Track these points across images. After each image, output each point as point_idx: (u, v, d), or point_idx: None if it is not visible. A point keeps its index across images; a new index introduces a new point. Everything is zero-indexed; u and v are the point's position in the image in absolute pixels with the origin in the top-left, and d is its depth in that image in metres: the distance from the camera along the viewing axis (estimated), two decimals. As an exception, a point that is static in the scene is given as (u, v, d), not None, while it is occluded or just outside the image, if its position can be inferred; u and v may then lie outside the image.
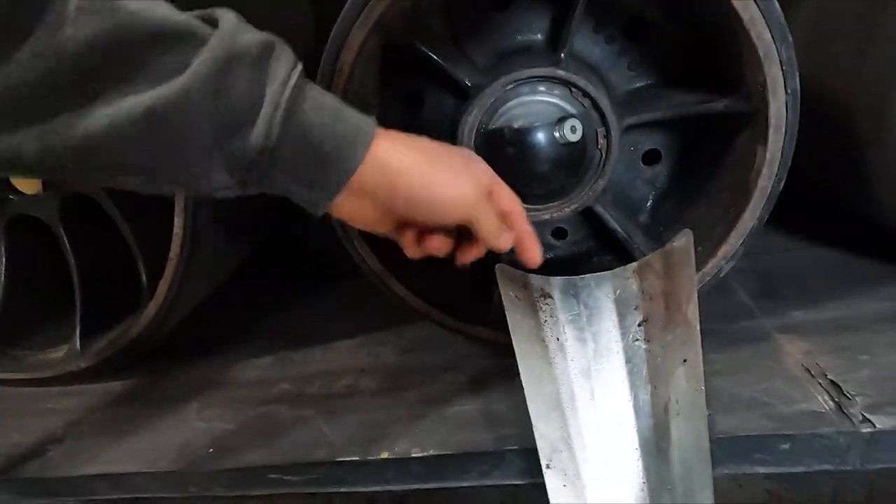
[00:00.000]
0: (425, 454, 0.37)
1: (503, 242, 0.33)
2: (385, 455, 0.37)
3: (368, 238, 0.42)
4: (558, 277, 0.39)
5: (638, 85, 0.44)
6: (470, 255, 0.35)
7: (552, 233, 0.48)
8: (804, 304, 0.46)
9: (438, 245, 0.33)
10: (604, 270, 0.38)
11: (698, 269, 0.39)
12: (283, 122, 0.26)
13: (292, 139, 0.26)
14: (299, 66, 0.28)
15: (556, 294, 0.39)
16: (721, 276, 0.41)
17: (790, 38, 0.34)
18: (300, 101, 0.27)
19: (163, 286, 0.49)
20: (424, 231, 0.33)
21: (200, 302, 0.57)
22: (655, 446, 0.29)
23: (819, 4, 0.51)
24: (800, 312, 0.45)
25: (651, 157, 0.46)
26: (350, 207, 0.30)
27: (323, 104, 0.28)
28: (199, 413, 0.49)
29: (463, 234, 0.34)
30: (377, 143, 0.29)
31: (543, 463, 0.28)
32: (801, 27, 0.49)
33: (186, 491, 0.42)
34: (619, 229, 0.44)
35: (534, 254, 0.35)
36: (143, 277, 0.52)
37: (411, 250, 0.34)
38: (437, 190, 0.30)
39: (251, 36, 0.26)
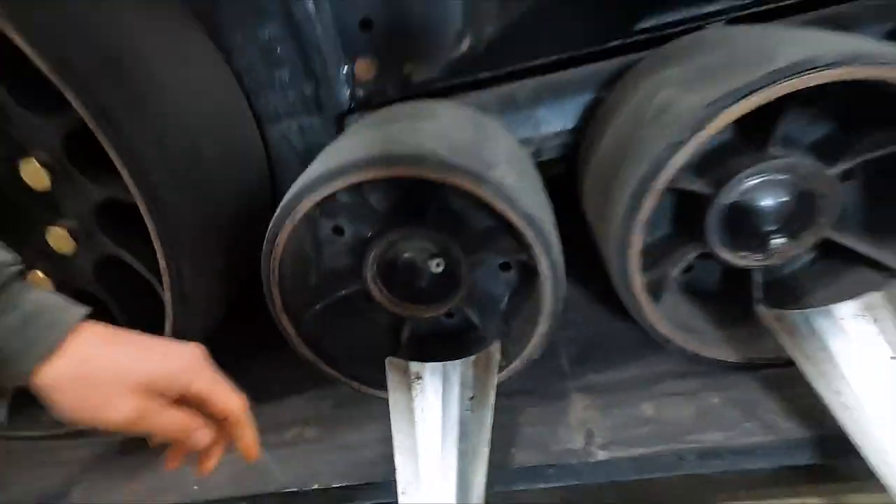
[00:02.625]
0: (342, 485, 0.58)
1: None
2: (315, 486, 0.58)
3: (302, 333, 0.63)
4: (428, 363, 0.60)
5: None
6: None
7: (445, 315, 0.69)
8: (603, 368, 0.69)
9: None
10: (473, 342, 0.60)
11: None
12: None
13: None
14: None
15: (426, 375, 0.60)
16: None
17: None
18: None
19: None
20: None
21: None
22: (465, 478, 0.51)
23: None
24: (597, 375, 0.68)
25: (506, 266, 0.68)
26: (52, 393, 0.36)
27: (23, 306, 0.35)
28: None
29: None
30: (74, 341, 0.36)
31: (400, 489, 0.50)
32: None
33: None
34: (477, 322, 0.66)
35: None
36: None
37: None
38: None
39: None
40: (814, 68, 0.45)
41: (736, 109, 0.47)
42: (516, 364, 0.62)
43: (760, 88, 0.46)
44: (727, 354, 0.60)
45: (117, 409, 0.36)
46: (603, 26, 0.70)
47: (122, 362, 0.37)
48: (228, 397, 0.40)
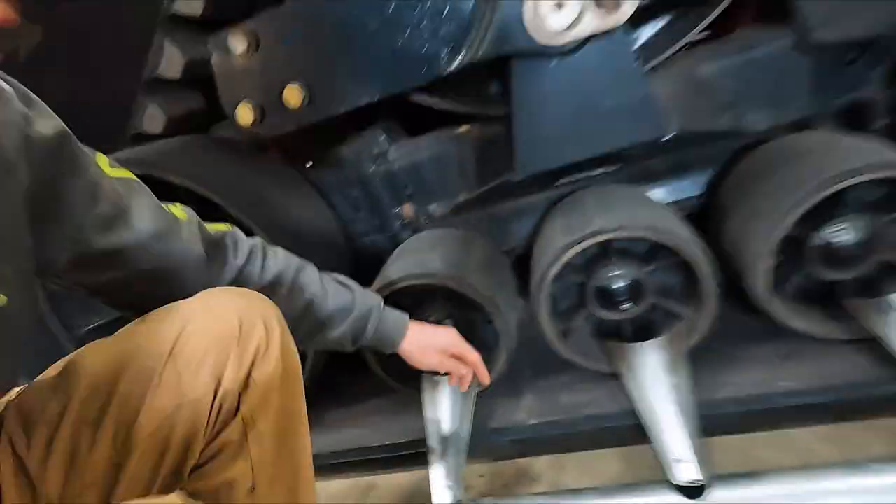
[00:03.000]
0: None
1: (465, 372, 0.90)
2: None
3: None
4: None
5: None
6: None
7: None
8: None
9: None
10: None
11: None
12: (375, 334, 0.81)
13: (374, 338, 0.81)
14: (380, 306, 0.82)
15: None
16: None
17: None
18: (378, 325, 0.81)
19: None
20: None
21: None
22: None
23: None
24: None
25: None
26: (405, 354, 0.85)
27: (388, 323, 0.82)
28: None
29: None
30: (409, 331, 0.84)
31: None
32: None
33: None
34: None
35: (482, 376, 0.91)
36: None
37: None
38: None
39: (373, 297, 0.82)
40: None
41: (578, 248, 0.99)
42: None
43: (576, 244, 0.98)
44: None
45: (433, 360, 0.84)
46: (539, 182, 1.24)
47: (430, 338, 0.85)
48: (473, 354, 0.87)
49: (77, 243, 0.55)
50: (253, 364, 0.57)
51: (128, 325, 0.60)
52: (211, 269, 0.66)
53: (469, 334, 1.16)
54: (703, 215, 1.18)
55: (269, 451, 0.60)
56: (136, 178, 0.61)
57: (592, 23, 0.79)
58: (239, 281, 0.68)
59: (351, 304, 0.77)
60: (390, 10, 0.89)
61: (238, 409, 0.57)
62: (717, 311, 0.98)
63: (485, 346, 1.16)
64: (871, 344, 0.91)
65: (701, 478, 0.80)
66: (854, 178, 0.87)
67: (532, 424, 1.05)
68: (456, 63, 0.90)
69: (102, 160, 0.58)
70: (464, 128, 1.25)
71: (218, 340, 0.56)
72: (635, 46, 1.09)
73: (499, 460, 1.06)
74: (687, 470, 0.81)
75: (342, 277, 0.81)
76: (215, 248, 0.67)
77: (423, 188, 1.31)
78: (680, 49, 1.07)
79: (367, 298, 0.81)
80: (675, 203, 1.21)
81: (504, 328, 1.08)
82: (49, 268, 0.54)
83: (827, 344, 0.98)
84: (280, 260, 0.73)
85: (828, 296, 1.01)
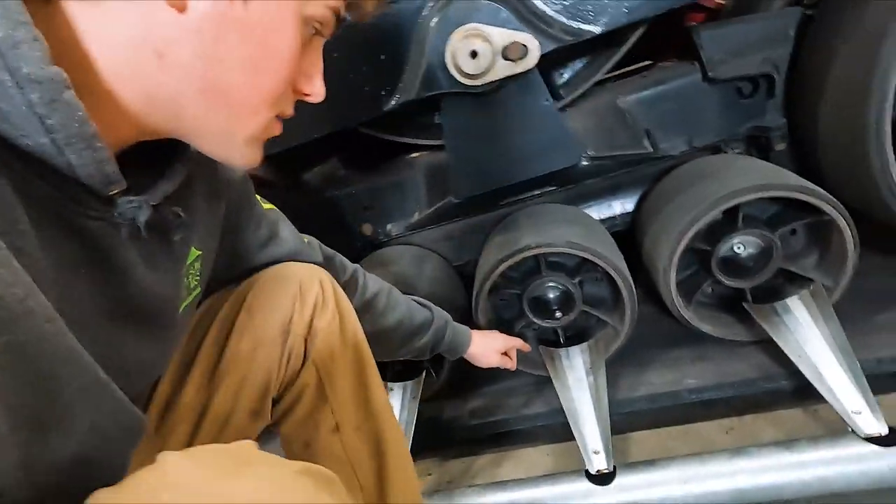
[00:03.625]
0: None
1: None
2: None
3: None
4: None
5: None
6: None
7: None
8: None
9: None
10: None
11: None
12: (450, 342, 0.93)
13: (448, 345, 0.93)
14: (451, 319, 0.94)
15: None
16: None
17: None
18: (452, 335, 0.93)
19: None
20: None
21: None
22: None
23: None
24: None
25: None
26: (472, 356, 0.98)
27: (458, 332, 0.95)
28: None
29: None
30: (472, 341, 0.97)
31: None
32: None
33: None
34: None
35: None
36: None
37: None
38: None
39: (444, 313, 0.94)
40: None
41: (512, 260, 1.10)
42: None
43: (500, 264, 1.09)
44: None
45: (494, 359, 0.98)
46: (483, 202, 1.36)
47: (490, 342, 0.99)
48: (521, 343, 1.03)
49: (242, 259, 0.70)
50: (314, 314, 0.69)
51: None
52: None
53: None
54: (631, 231, 1.30)
55: (345, 396, 0.70)
56: (276, 209, 0.77)
57: (504, 68, 0.92)
58: (347, 290, 0.81)
59: (431, 318, 0.91)
60: (335, 57, 1.01)
61: (306, 353, 0.68)
62: (635, 318, 1.09)
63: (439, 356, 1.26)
64: (770, 344, 1.03)
65: (609, 467, 0.90)
66: (743, 197, 0.99)
67: (474, 425, 1.15)
68: (393, 103, 1.02)
69: (258, 197, 0.73)
70: (415, 154, 1.38)
71: (283, 294, 0.68)
72: (560, 82, 1.22)
73: (446, 459, 1.15)
74: (599, 460, 0.92)
75: (418, 297, 0.95)
76: (330, 262, 0.82)
77: (380, 209, 1.43)
78: (601, 84, 1.21)
79: (442, 313, 0.94)
80: (606, 220, 1.33)
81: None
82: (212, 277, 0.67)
83: (732, 345, 1.10)
84: (377, 280, 0.88)
85: (733, 302, 1.12)
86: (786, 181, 0.98)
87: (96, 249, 0.41)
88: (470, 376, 1.30)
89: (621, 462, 0.93)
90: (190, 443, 0.65)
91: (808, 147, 1.13)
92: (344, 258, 0.86)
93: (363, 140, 1.38)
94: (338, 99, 1.01)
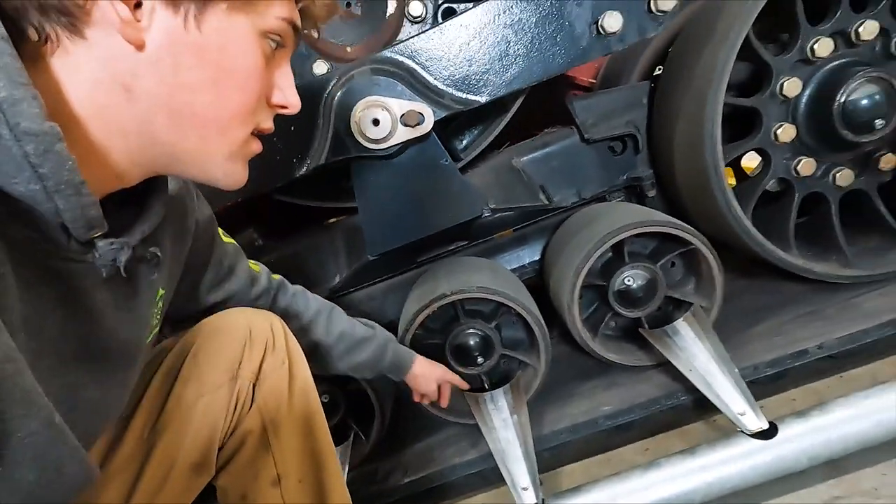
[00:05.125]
0: None
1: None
2: None
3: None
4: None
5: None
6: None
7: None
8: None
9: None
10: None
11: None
12: (392, 360, 0.96)
13: (391, 362, 0.96)
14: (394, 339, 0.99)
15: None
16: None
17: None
18: (395, 353, 0.97)
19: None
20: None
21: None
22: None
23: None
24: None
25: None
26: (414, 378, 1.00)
27: (401, 351, 0.99)
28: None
29: None
30: (417, 363, 1.01)
31: None
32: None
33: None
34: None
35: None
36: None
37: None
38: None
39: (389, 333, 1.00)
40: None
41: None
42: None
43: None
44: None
45: (432, 387, 1.01)
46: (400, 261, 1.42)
47: (433, 368, 1.01)
48: (460, 380, 1.06)
49: (196, 298, 0.73)
50: (263, 359, 0.68)
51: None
52: (271, 304, 0.85)
53: (350, 404, 1.25)
54: (540, 277, 1.41)
55: (289, 444, 0.67)
56: (235, 243, 0.81)
57: (404, 133, 1.03)
58: (289, 312, 0.86)
59: (373, 335, 0.95)
60: (247, 129, 1.08)
61: (253, 399, 0.67)
62: (550, 354, 1.16)
63: (369, 417, 1.24)
64: (668, 365, 1.13)
65: (538, 500, 0.92)
66: (624, 234, 1.13)
67: (408, 482, 1.12)
68: (304, 169, 1.08)
69: (220, 231, 0.76)
70: (333, 220, 1.43)
71: (231, 339, 0.68)
72: (460, 147, 1.36)
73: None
74: (528, 496, 0.93)
75: (363, 319, 0.98)
76: (280, 286, 0.88)
77: (300, 276, 1.44)
78: (497, 146, 1.36)
79: (385, 332, 0.97)
80: (517, 269, 1.44)
81: (376, 398, 1.18)
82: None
83: (638, 370, 1.19)
84: (318, 300, 0.93)
85: (632, 331, 1.23)
86: (655, 218, 1.14)
87: (71, 291, 0.42)
88: (399, 435, 1.28)
89: (550, 494, 0.95)
90: (128, 495, 0.60)
91: (672, 191, 1.32)
92: (287, 282, 0.91)
93: (279, 209, 1.42)
94: (251, 167, 1.06)
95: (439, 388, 1.06)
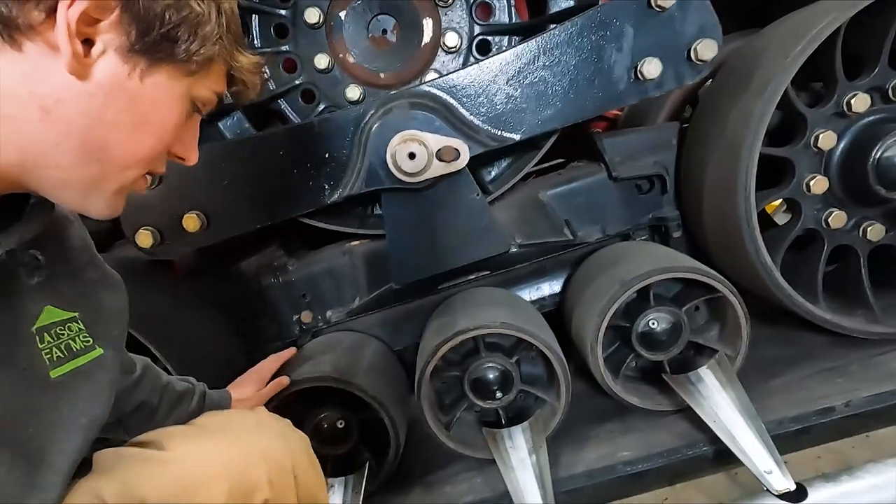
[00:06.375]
0: None
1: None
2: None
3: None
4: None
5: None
6: None
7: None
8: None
9: None
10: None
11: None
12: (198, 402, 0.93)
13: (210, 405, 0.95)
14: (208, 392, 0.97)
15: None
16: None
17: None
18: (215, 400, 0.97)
19: None
20: None
21: None
22: None
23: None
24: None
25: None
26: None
27: (219, 396, 0.99)
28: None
29: None
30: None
31: None
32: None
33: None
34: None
35: None
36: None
37: None
38: None
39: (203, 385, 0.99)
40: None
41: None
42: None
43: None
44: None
45: (256, 401, 1.02)
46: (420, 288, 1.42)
47: (246, 402, 1.00)
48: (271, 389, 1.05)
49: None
50: None
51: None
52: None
53: (364, 432, 1.24)
54: (560, 311, 1.40)
55: None
56: None
57: (439, 168, 1.03)
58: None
59: (193, 387, 0.95)
60: (282, 155, 1.08)
61: None
62: (570, 393, 1.15)
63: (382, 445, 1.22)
64: (689, 412, 1.11)
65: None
66: (651, 279, 1.12)
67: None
68: (336, 196, 1.09)
69: None
70: (355, 242, 1.43)
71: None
72: (488, 179, 1.36)
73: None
74: (545, 540, 0.92)
75: (178, 376, 0.98)
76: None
77: (319, 296, 1.44)
78: (523, 180, 1.36)
79: (200, 385, 0.98)
80: (536, 301, 1.43)
81: (391, 425, 1.17)
82: None
83: (658, 416, 1.18)
84: (140, 358, 0.90)
85: (654, 374, 1.22)
86: (682, 264, 1.13)
87: None
88: (409, 466, 1.26)
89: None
90: None
91: (698, 233, 1.31)
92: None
93: (302, 230, 1.42)
94: (285, 191, 1.06)
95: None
